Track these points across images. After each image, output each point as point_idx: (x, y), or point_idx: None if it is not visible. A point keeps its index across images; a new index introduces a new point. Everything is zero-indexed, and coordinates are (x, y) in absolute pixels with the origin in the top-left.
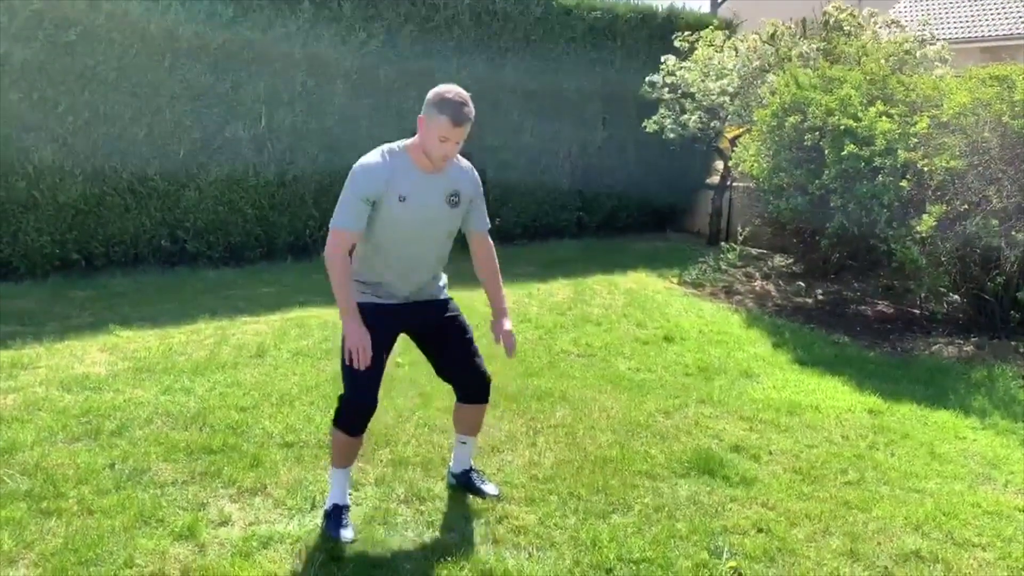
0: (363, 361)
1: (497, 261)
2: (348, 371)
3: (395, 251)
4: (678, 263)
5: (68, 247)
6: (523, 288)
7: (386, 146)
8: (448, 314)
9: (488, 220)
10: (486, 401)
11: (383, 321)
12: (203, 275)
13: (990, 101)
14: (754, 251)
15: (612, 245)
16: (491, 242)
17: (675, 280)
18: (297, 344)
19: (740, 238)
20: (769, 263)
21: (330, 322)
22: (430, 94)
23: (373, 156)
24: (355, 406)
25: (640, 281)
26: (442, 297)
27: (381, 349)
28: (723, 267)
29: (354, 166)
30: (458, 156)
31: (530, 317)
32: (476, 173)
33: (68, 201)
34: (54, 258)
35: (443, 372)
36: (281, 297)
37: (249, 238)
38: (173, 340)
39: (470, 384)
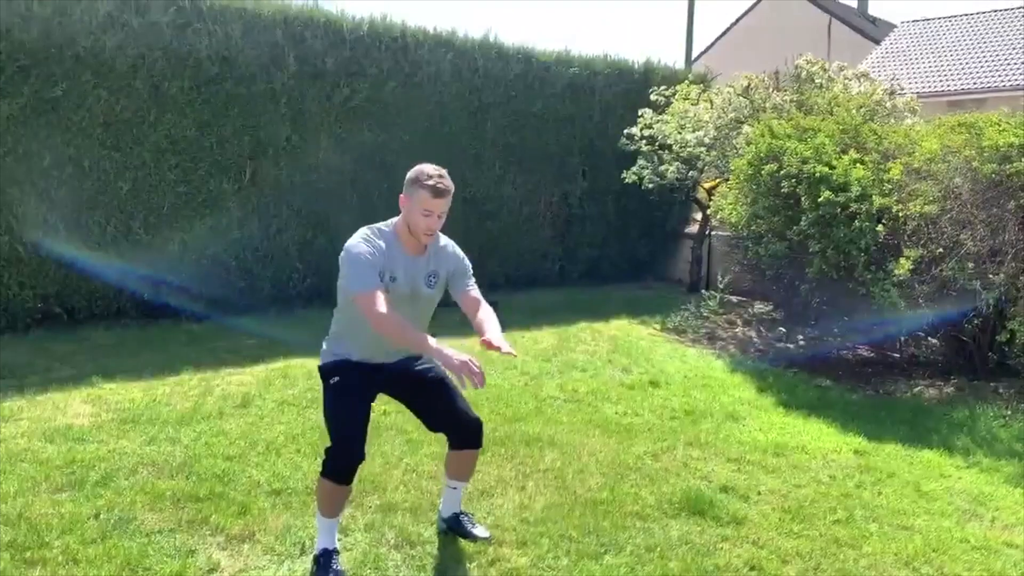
0: (478, 377)
1: (492, 310)
2: (334, 423)
3: None
4: (660, 311)
5: (50, 301)
6: (508, 336)
7: (370, 228)
8: (422, 365)
9: (475, 284)
10: (479, 446)
11: (364, 375)
12: (186, 328)
13: (959, 148)
14: (734, 298)
15: (594, 294)
16: (480, 295)
17: (658, 327)
18: (282, 394)
19: (720, 286)
20: (750, 310)
21: (314, 372)
22: (409, 173)
23: (363, 236)
24: (342, 456)
25: (623, 328)
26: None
27: (363, 400)
28: (705, 314)
29: (347, 247)
30: (440, 234)
31: (515, 364)
32: (457, 248)
33: (51, 255)
34: (36, 312)
35: (433, 423)
36: (265, 349)
37: (233, 291)
38: (157, 392)
39: (461, 430)
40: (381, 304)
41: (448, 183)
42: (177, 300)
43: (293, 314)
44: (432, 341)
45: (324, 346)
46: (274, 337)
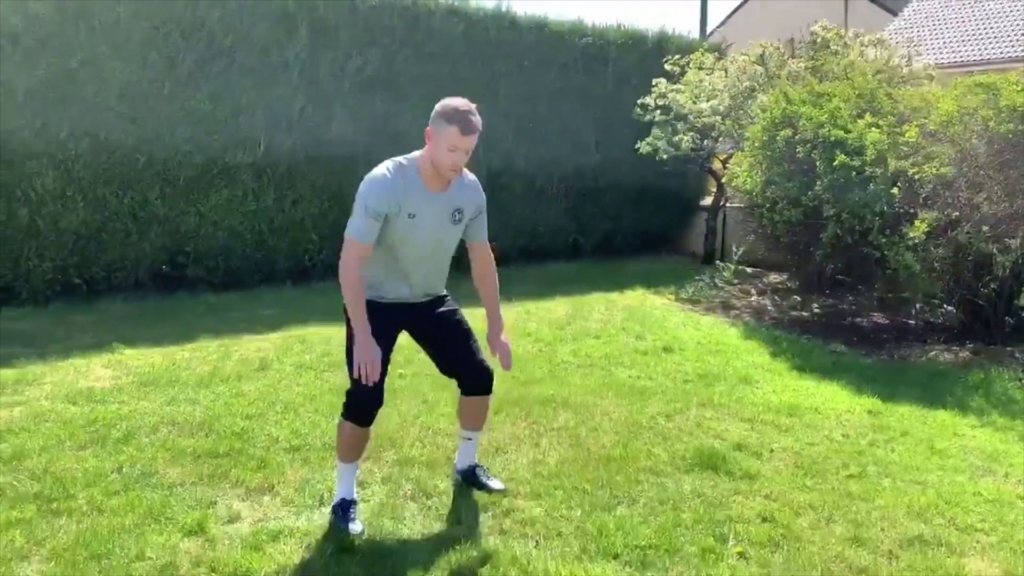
0: (371, 376)
1: (496, 272)
2: (354, 365)
3: (401, 261)
4: (674, 281)
5: (70, 273)
6: (521, 305)
7: (394, 161)
8: (445, 308)
9: (486, 231)
10: (489, 392)
11: (386, 318)
12: (204, 299)
13: (976, 108)
14: (749, 269)
15: (608, 266)
16: (491, 253)
17: (672, 297)
18: (300, 358)
19: (735, 256)
20: (764, 280)
21: (332, 338)
22: (438, 106)
23: (383, 172)
24: (362, 398)
25: (637, 298)
26: (441, 292)
27: (385, 341)
28: (719, 284)
29: (365, 180)
30: (464, 170)
31: (529, 331)
32: (480, 187)
33: (69, 227)
34: (56, 284)
35: (445, 367)
36: (282, 317)
37: (249, 263)
38: (176, 356)
39: (471, 374)
40: (356, 261)
41: (478, 120)
42: (194, 272)
43: (309, 286)
44: (361, 320)
45: None
46: (291, 307)
